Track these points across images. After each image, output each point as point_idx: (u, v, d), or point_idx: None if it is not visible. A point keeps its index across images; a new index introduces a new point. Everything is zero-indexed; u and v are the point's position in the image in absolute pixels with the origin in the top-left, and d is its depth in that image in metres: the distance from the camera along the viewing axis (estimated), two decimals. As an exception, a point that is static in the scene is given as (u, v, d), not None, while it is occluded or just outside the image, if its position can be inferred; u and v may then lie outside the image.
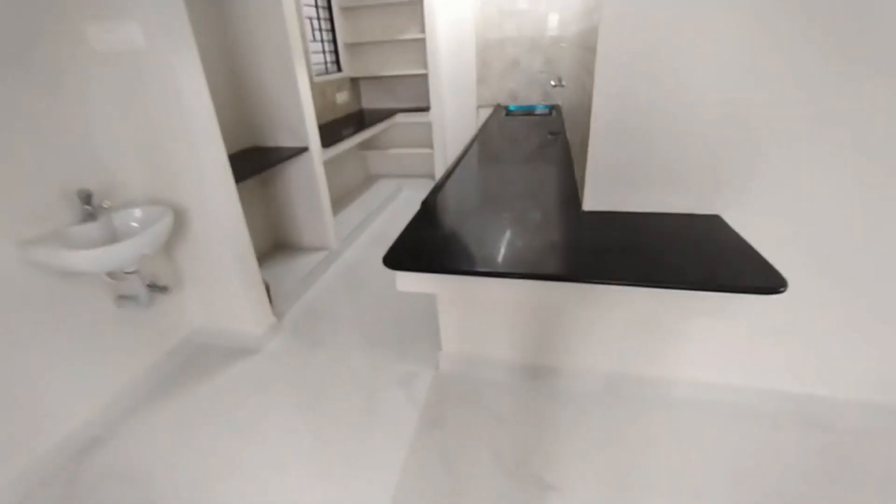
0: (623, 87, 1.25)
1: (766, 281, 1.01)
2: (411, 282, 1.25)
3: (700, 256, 1.15)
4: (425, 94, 4.03)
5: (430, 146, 4.26)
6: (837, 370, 1.52)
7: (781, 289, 0.98)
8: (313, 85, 3.41)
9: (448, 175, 1.93)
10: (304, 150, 2.63)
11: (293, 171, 2.74)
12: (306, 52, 3.24)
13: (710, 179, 1.32)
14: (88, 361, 1.69)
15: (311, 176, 2.74)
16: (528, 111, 3.62)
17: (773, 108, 1.18)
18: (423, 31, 3.77)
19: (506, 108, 3.80)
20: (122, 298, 1.80)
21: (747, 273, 1.05)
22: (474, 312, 1.76)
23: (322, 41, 3.72)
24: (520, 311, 1.69)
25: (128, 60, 1.60)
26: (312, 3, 3.50)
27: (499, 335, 1.76)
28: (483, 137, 2.79)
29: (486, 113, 3.91)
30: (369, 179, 4.54)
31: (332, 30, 3.84)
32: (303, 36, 3.20)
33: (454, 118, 4.13)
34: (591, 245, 1.26)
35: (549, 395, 1.74)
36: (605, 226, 1.35)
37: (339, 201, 3.79)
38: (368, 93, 4.35)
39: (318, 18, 3.61)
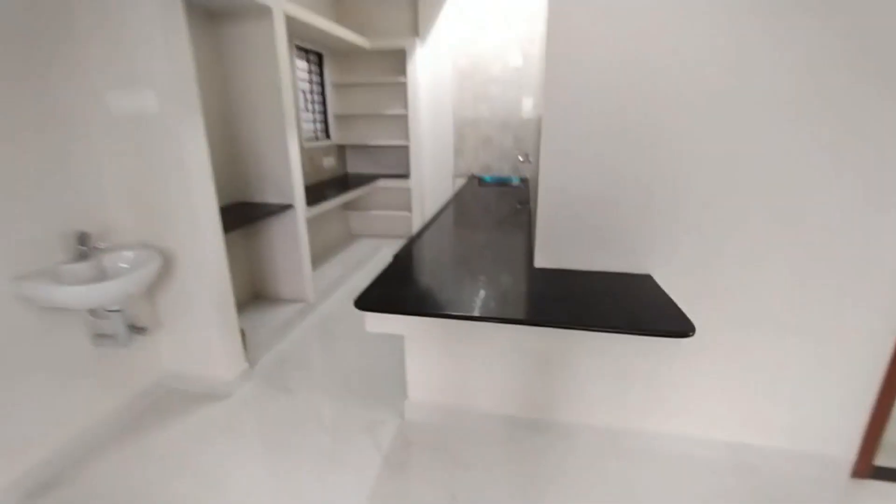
0: (565, 167, 1.51)
1: (677, 326, 1.20)
2: (379, 323, 1.40)
3: (628, 307, 1.35)
4: (406, 162, 4.40)
5: (409, 209, 4.55)
6: (759, 419, 1.69)
7: (690, 333, 1.18)
8: (303, 150, 3.71)
9: (420, 233, 2.15)
10: (290, 207, 2.83)
11: (277, 226, 2.92)
12: (298, 121, 3.56)
13: (641, 245, 1.56)
14: (60, 396, 1.71)
15: (294, 231, 2.92)
16: (502, 182, 3.97)
17: (686, 189, 1.46)
18: (405, 107, 4.21)
19: (480, 178, 4.16)
20: (100, 337, 1.86)
21: (664, 319, 1.25)
22: (439, 362, 1.88)
23: (314, 111, 4.09)
24: (481, 361, 1.82)
25: (139, 122, 1.81)
26: (307, 78, 3.90)
27: (462, 384, 1.88)
28: (456, 203, 3.06)
29: (461, 182, 4.26)
30: (351, 238, 4.75)
31: (324, 102, 4.24)
32: (296, 106, 3.53)
33: (432, 185, 4.47)
34: (537, 295, 1.45)
35: (511, 442, 1.82)
36: (550, 280, 1.55)
37: (320, 257, 3.95)
38: (354, 159, 4.69)
39: (312, 92, 4.01)
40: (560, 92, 1.44)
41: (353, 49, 4.05)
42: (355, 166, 4.70)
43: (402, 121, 4.33)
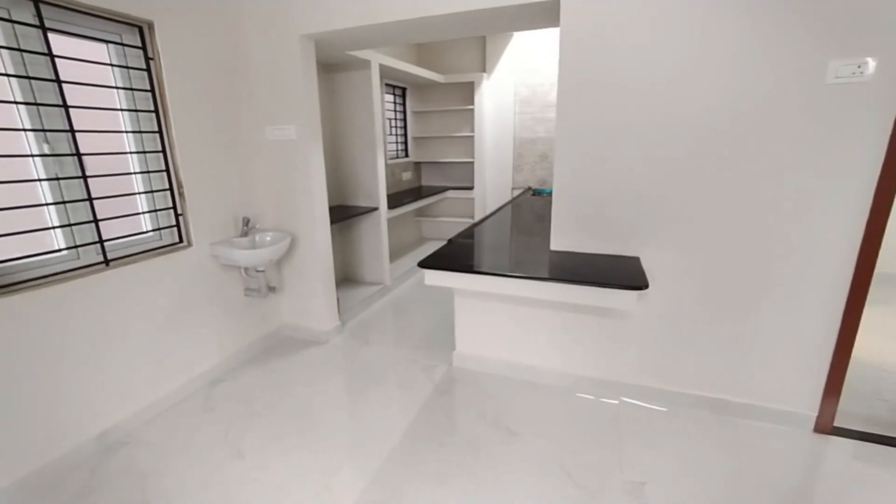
0: (573, 173, 2.08)
1: (636, 282, 1.71)
2: (435, 278, 2.06)
3: (612, 275, 1.87)
4: (471, 176, 5.10)
5: (473, 216, 5.22)
6: (735, 380, 2.06)
7: (644, 287, 1.68)
8: (387, 165, 4.57)
9: (472, 228, 2.79)
10: (375, 209, 3.64)
11: (366, 224, 3.75)
12: (384, 142, 4.43)
13: (632, 233, 2.06)
14: (224, 325, 2.60)
15: (377, 228, 3.72)
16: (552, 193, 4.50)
17: (670, 187, 1.95)
18: (472, 130, 4.93)
19: (535, 190, 4.73)
20: (249, 290, 2.73)
21: (629, 280, 1.76)
22: (479, 322, 2.49)
23: (396, 134, 4.97)
24: (509, 320, 2.40)
25: (283, 145, 2.69)
26: (392, 108, 4.79)
27: (495, 339, 2.47)
28: (507, 209, 3.67)
29: (518, 193, 4.85)
30: (422, 240, 5.53)
31: (405, 127, 5.11)
32: (384, 131, 4.42)
33: (492, 196, 5.12)
34: (549, 265, 2.02)
35: (524, 383, 2.36)
36: (561, 257, 2.11)
37: (396, 252, 4.76)
38: (427, 173, 5.50)
39: (395, 119, 4.89)
40: (569, 113, 2.02)
41: (431, 83, 4.88)
42: (428, 179, 5.50)
43: (469, 141, 5.05)
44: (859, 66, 1.56)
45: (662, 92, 1.86)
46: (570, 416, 2.14)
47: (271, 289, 2.83)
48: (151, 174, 2.17)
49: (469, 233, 2.73)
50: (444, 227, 5.48)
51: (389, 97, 4.73)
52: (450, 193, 5.18)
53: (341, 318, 3.14)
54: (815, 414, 1.97)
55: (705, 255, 1.97)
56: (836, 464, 1.82)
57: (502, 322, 2.43)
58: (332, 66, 3.48)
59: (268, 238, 2.71)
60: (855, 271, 1.77)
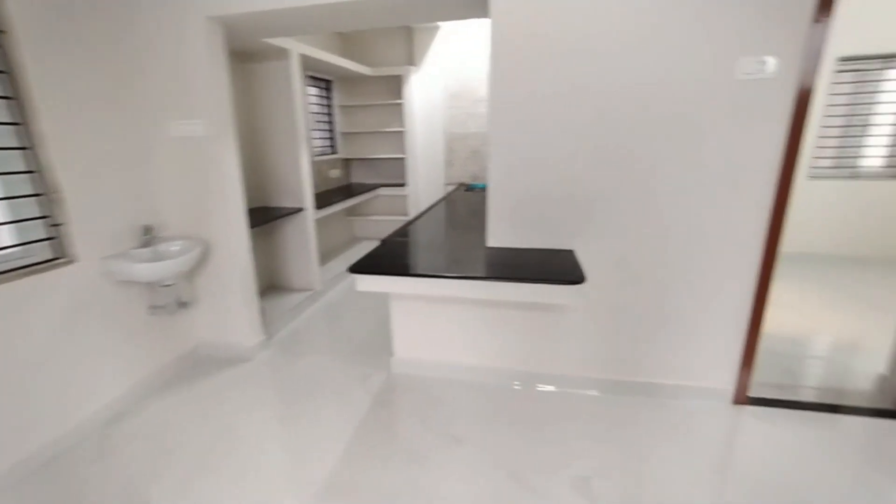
0: (507, 170, 2.04)
1: (573, 276, 1.70)
2: (367, 283, 1.91)
3: (548, 269, 1.85)
4: (403, 172, 4.97)
5: (406, 214, 5.09)
6: (662, 362, 2.16)
7: (581, 282, 1.68)
8: (313, 163, 4.29)
9: (405, 227, 2.68)
10: (301, 210, 3.39)
11: (291, 226, 3.48)
12: (309, 138, 4.15)
13: (566, 228, 2.06)
14: (124, 351, 2.25)
15: (304, 230, 3.47)
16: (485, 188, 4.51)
17: (599, 180, 1.97)
18: (403, 125, 4.79)
19: (468, 185, 4.71)
20: (154, 308, 2.40)
21: (566, 274, 1.75)
22: (416, 325, 2.39)
23: (323, 130, 4.69)
24: (448, 321, 2.33)
25: (189, 142, 2.38)
26: (317, 101, 4.51)
27: (434, 341, 2.38)
28: (440, 206, 3.59)
29: (452, 189, 4.80)
30: (354, 240, 5.30)
31: (332, 122, 4.84)
32: (307, 126, 4.13)
33: (426, 192, 5.02)
34: (485, 263, 1.97)
35: (473, 385, 2.31)
36: (498, 254, 2.06)
37: (327, 255, 4.50)
38: (357, 170, 5.27)
39: (321, 113, 4.61)
40: (501, 108, 1.97)
41: (358, 76, 4.66)
42: (359, 177, 5.27)
43: (400, 136, 4.90)
44: (762, 64, 1.66)
45: (591, 85, 1.86)
46: (513, 414, 2.11)
47: (183, 304, 2.52)
48: (10, 176, 1.79)
49: (403, 231, 2.61)
50: (377, 225, 5.29)
51: (314, 90, 4.44)
52: (382, 191, 5.00)
53: (268, 331, 2.88)
54: (734, 387, 2.11)
55: (632, 245, 2.02)
56: (750, 431, 1.96)
57: (441, 323, 2.34)
58: (248, 55, 3.16)
59: (175, 248, 2.38)
60: (764, 252, 1.91)
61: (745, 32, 1.67)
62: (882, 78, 4.20)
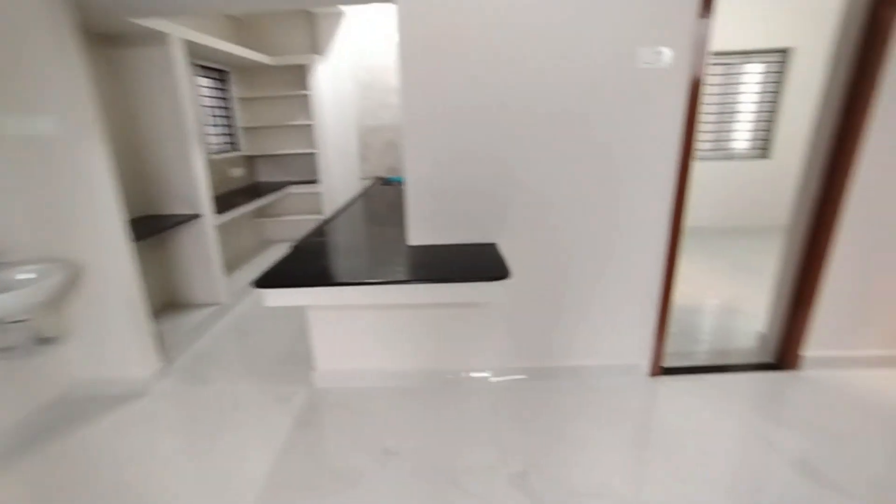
0: (425, 164, 1.94)
1: (498, 272, 1.67)
2: (276, 297, 1.71)
3: (472, 265, 1.80)
4: (315, 168, 4.66)
5: (321, 212, 4.80)
6: (588, 345, 2.24)
7: (506, 276, 1.65)
8: (211, 162, 3.85)
9: (321, 227, 2.48)
10: (198, 216, 3.00)
11: (187, 235, 3.07)
12: (203, 135, 3.70)
13: (488, 221, 2.03)
14: (-31, 406, 1.80)
15: (203, 239, 3.09)
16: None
17: (517, 170, 1.95)
18: (310, 118, 4.48)
19: (385, 179, 4.55)
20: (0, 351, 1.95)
21: (491, 270, 1.71)
22: (340, 333, 2.23)
23: (220, 125, 4.22)
24: (372, 327, 2.20)
25: (37, 143, 1.95)
26: (211, 94, 4.03)
27: (358, 349, 2.24)
28: (356, 202, 3.41)
29: (368, 183, 4.61)
30: (266, 244, 4.89)
31: (230, 116, 4.37)
32: (199, 121, 3.67)
33: (341, 188, 4.78)
34: (407, 265, 1.86)
35: (397, 390, 2.21)
36: (420, 253, 1.97)
37: (236, 262, 4.08)
38: (264, 168, 4.85)
39: (218, 107, 4.13)
40: (414, 99, 1.86)
41: (257, 66, 4.24)
42: (266, 175, 4.86)
43: (308, 130, 4.58)
44: (659, 54, 1.75)
45: (502, 76, 1.83)
46: (446, 416, 2.05)
47: (45, 341, 2.09)
48: None
49: (317, 233, 2.41)
50: (290, 226, 4.93)
51: (206, 81, 3.96)
52: (292, 189, 4.65)
53: (166, 356, 2.52)
54: (649, 361, 2.26)
55: (552, 233, 2.05)
56: (665, 401, 2.11)
57: (366, 329, 2.21)
58: (114, 38, 2.68)
59: (23, 275, 1.95)
60: (670, 229, 2.03)
61: (643, 25, 1.74)
62: (743, 71, 4.80)
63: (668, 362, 2.33)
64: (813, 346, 2.24)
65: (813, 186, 2.11)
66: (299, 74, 4.45)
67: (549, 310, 2.18)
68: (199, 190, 2.98)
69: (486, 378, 2.27)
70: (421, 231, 2.05)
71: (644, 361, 2.26)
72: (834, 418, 1.94)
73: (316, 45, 4.43)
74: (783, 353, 2.32)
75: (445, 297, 1.73)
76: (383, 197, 3.58)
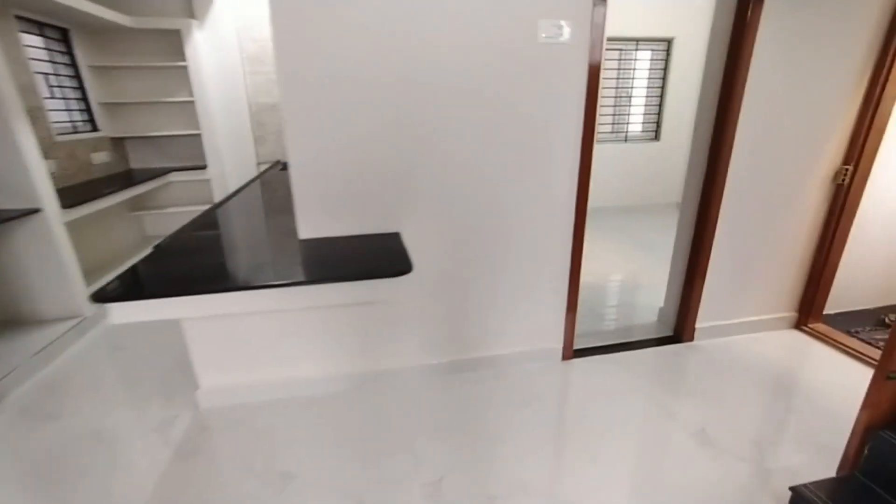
0: (311, 148, 1.68)
1: (400, 267, 1.50)
2: (125, 313, 1.38)
3: (371, 260, 1.61)
4: (201, 152, 4.08)
5: (212, 202, 4.24)
6: (502, 333, 2.18)
7: (408, 271, 1.48)
8: (56, 144, 3.16)
9: (196, 221, 2.10)
10: (35, 211, 2.42)
11: (22, 236, 2.47)
12: (39, 110, 3.01)
13: (389, 209, 1.84)
14: None
15: (48, 239, 2.50)
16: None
17: (418, 151, 1.77)
18: (191, 94, 3.88)
19: (284, 163, 4.12)
20: None
21: (391, 265, 1.53)
22: (225, 343, 1.91)
23: (69, 99, 3.48)
24: (266, 331, 1.92)
25: None
26: (47, 57, 3.28)
27: (250, 359, 1.95)
28: (254, 187, 3.01)
29: (266, 168, 4.16)
30: (146, 241, 4.21)
31: (83, 88, 3.62)
32: (33, 92, 2.97)
33: (235, 174, 4.26)
34: (298, 262, 1.62)
35: (297, 402, 1.98)
36: (313, 248, 1.73)
37: (103, 266, 3.43)
38: (138, 152, 4.14)
39: (58, 75, 3.38)
40: (293, 73, 1.59)
41: (112, 27, 3.53)
42: (140, 160, 4.16)
43: (190, 108, 3.98)
44: (559, 28, 1.66)
45: (402, 44, 1.62)
46: (353, 425, 1.87)
47: None
48: None
49: (194, 226, 2.04)
50: (174, 219, 4.25)
51: (36, 40, 3.19)
52: (175, 176, 4.03)
53: (-5, 391, 2.00)
54: (562, 345, 2.26)
55: (460, 219, 1.92)
56: (577, 383, 2.13)
57: (256, 334, 1.92)
58: None
59: None
60: (576, 210, 2.01)
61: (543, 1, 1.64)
62: (635, 58, 5.08)
63: (580, 343, 2.36)
64: (704, 318, 2.40)
65: (699, 167, 2.22)
66: (173, 41, 3.81)
67: (461, 299, 2.07)
68: (33, 178, 2.39)
69: (397, 378, 2.11)
70: (311, 223, 1.80)
71: (557, 345, 2.26)
72: (723, 385, 2.09)
73: (191, 9, 3.82)
74: (680, 327, 2.46)
75: (337, 299, 1.52)
76: (282, 183, 3.21)
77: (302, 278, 1.46)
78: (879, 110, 2.10)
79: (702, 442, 1.74)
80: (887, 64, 2.04)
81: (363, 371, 2.07)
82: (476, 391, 2.05)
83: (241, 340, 1.92)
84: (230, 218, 2.27)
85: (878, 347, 2.31)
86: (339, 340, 2.00)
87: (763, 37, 1.91)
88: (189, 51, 3.75)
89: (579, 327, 2.36)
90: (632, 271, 3.51)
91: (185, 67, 3.82)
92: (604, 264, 3.61)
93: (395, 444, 1.75)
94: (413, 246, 1.85)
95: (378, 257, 1.63)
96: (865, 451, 1.44)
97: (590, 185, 1.97)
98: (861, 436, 1.47)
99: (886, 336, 2.41)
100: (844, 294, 2.56)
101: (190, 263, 1.65)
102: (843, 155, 2.22)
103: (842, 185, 2.25)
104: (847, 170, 2.21)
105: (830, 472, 1.50)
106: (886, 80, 2.05)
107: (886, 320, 2.56)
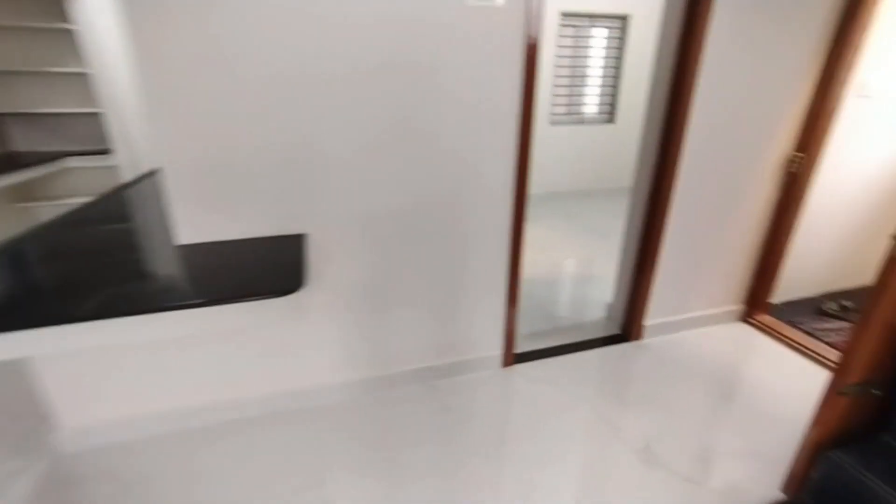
0: (189, 129, 1.34)
1: (285, 285, 1.20)
2: None
3: (253, 274, 1.30)
4: (103, 133, 3.54)
5: (121, 192, 3.72)
6: (437, 344, 1.94)
7: (296, 289, 1.19)
8: None
9: (66, 217, 1.71)
10: None
11: None
12: None
13: (293, 202, 1.53)
14: None
15: None
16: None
17: (331, 136, 1.46)
18: (84, 64, 3.31)
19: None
20: None
21: (270, 281, 1.23)
22: (91, 370, 1.57)
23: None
24: (140, 353, 1.59)
25: None
26: None
27: (123, 388, 1.62)
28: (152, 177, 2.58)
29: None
30: (42, 237, 3.65)
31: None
32: None
33: (153, 160, 3.73)
34: (175, 276, 1.29)
35: (185, 436, 1.67)
36: (189, 256, 1.40)
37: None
38: (22, 133, 3.54)
39: None
40: (159, 45, 1.23)
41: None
42: (26, 142, 3.57)
43: (84, 80, 3.41)
44: (487, -13, 1.38)
45: (289, 22, 1.29)
46: (252, 462, 1.58)
47: None
48: None
49: (58, 224, 1.65)
50: (77, 211, 3.76)
51: None
52: (72, 161, 3.49)
53: None
54: (502, 351, 2.05)
55: (381, 216, 1.64)
56: (517, 394, 1.93)
57: (127, 357, 1.59)
58: None
59: None
60: (514, 198, 1.77)
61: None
62: (591, 35, 4.86)
63: (522, 346, 2.16)
64: (653, 314, 2.26)
65: (651, 152, 2.03)
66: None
67: (384, 306, 1.80)
68: None
69: (305, 401, 1.83)
70: (191, 224, 1.46)
71: (497, 352, 2.04)
72: (668, 390, 1.94)
73: (78, -40, 3.22)
74: (629, 324, 2.31)
75: (201, 327, 1.21)
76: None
77: (161, 301, 1.13)
78: (831, 93, 1.97)
79: (646, 460, 1.58)
80: (843, 43, 1.90)
81: (263, 396, 1.78)
82: (402, 413, 1.81)
83: (109, 365, 1.58)
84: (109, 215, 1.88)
85: (820, 339, 2.26)
86: (233, 362, 1.69)
87: (718, 14, 1.71)
88: (77, 9, 3.17)
89: (524, 327, 2.16)
90: (584, 261, 3.36)
91: (70, 32, 3.25)
92: (554, 255, 3.43)
93: (300, 485, 1.48)
94: (323, 249, 1.56)
95: (266, 268, 1.33)
96: (814, 474, 1.31)
97: (530, 170, 1.74)
98: (809, 453, 1.34)
99: (827, 326, 2.40)
100: (789, 284, 2.50)
101: (20, 282, 1.28)
102: (795, 142, 2.09)
103: (794, 172, 2.12)
104: (800, 157, 2.08)
105: (777, 486, 1.37)
106: (839, 60, 1.92)
107: (825, 308, 2.53)
